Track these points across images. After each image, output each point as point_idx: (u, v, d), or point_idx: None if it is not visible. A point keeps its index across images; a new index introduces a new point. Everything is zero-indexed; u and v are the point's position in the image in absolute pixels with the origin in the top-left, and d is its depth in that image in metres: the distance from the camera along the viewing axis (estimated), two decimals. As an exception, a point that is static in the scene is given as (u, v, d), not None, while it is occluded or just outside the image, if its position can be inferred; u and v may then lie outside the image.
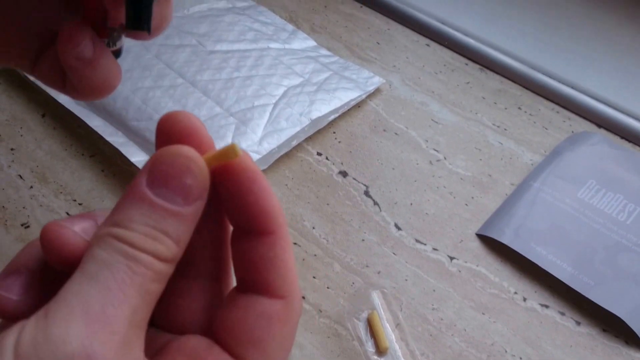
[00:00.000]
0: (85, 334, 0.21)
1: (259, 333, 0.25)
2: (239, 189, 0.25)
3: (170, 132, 0.26)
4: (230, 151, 0.25)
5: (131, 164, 0.64)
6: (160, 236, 0.23)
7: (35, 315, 0.22)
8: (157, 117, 0.64)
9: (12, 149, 0.67)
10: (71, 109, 0.67)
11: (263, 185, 0.25)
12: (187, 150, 0.24)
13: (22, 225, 0.62)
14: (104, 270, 0.22)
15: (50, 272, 0.26)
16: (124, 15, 0.30)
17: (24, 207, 0.63)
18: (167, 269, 0.24)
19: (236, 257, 0.27)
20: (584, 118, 0.72)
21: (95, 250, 0.23)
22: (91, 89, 0.32)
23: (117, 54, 0.33)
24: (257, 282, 0.25)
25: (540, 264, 0.58)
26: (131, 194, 0.24)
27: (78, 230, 0.25)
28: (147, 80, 0.68)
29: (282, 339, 0.25)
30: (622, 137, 0.70)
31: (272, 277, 0.25)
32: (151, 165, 0.24)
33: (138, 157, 0.63)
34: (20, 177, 0.65)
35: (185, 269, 0.27)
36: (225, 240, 0.28)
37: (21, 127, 0.69)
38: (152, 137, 0.63)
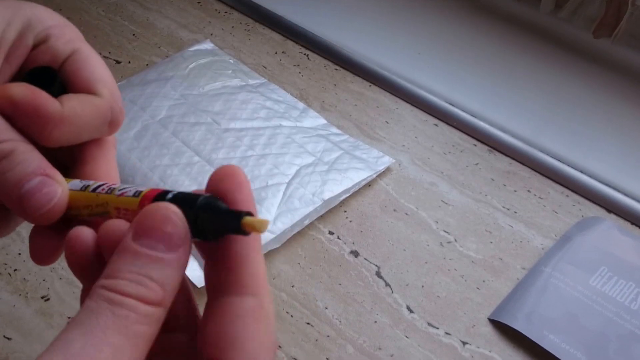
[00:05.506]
0: None
1: (236, 331, 0.26)
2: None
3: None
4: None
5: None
6: (144, 280, 0.25)
7: None
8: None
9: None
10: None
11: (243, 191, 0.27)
12: (166, 204, 0.26)
13: (42, 297, 0.61)
14: (90, 316, 0.24)
15: None
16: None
17: (44, 280, 0.63)
18: (155, 312, 0.25)
19: (210, 264, 0.28)
20: (594, 202, 0.72)
21: (87, 301, 0.25)
22: None
23: None
24: (230, 282, 0.27)
25: (553, 352, 0.58)
26: (119, 249, 0.26)
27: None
28: (165, 158, 0.69)
29: (260, 337, 0.26)
30: (632, 223, 0.71)
31: (244, 275, 0.27)
32: (136, 221, 0.26)
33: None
34: (40, 249, 0.65)
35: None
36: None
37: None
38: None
